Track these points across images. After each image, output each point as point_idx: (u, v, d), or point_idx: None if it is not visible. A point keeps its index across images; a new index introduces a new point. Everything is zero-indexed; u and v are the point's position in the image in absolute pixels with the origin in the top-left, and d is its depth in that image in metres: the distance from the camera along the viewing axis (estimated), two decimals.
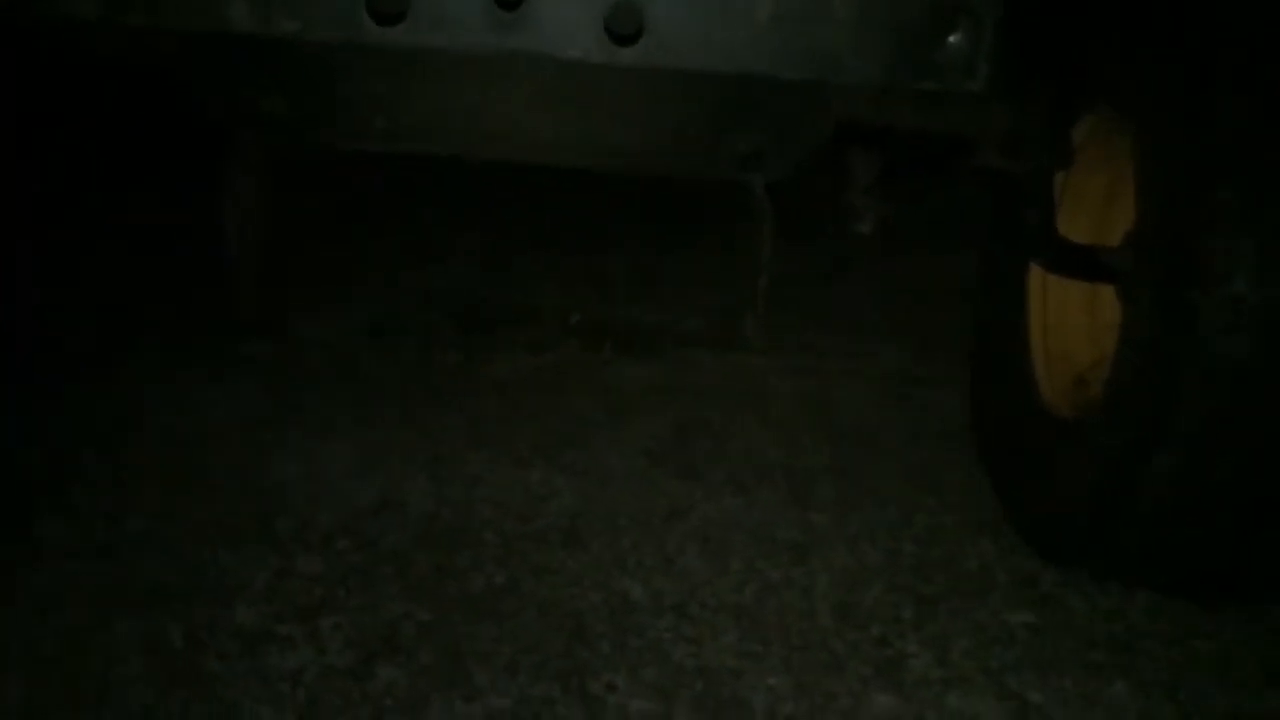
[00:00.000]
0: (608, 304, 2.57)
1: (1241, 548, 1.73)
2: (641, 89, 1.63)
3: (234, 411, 2.13)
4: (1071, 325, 2.03)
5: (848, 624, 1.75)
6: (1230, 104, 1.57)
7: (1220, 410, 1.61)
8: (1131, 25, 1.75)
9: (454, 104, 1.66)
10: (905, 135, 1.80)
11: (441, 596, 1.73)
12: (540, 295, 2.58)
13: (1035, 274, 2.05)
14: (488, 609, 1.71)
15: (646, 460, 2.11)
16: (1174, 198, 1.68)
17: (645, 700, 1.57)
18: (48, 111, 1.96)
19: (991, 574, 1.89)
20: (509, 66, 1.52)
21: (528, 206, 2.97)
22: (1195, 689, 1.65)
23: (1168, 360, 1.66)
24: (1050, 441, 1.94)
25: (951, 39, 1.44)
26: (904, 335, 2.58)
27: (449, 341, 2.39)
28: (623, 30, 1.43)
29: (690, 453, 2.14)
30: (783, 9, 1.43)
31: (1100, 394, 1.88)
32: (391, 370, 2.30)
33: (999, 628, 1.77)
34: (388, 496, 1.94)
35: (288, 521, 1.86)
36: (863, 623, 1.76)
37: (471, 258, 2.70)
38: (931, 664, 1.69)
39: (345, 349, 2.34)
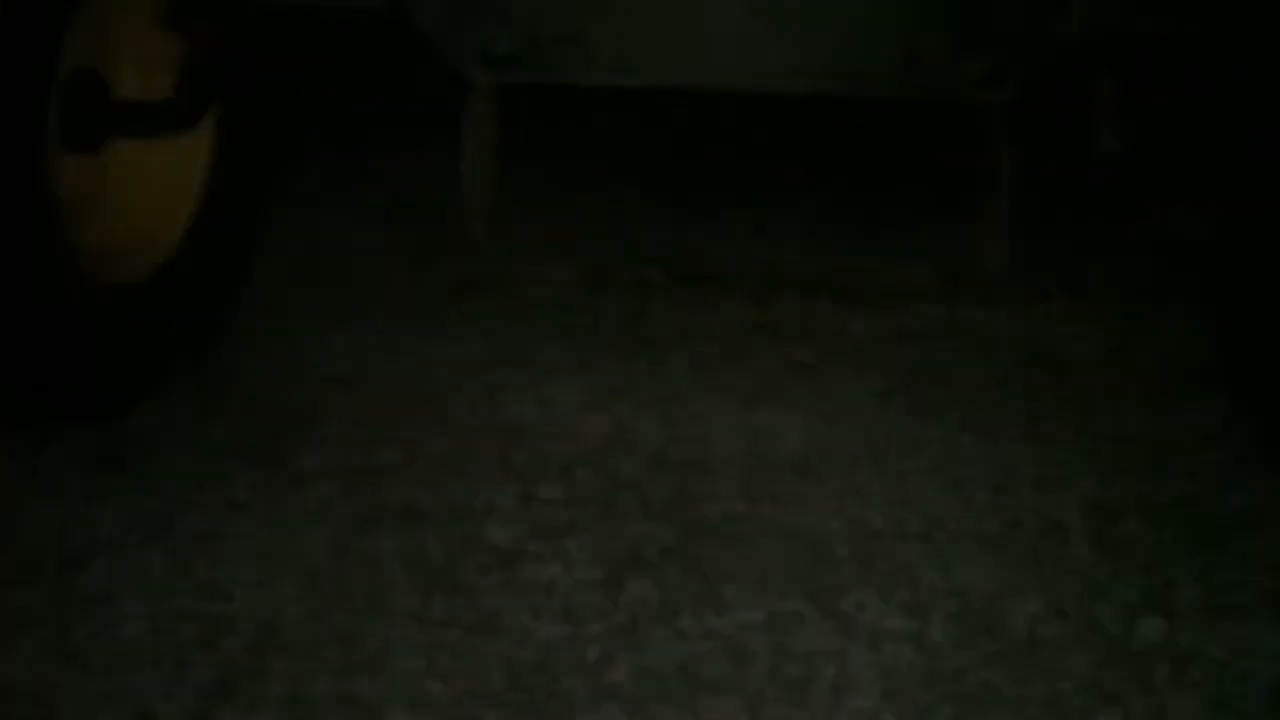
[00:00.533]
0: (824, 254, 2.54)
1: None
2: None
3: (463, 359, 2.19)
4: None
5: (1106, 554, 1.67)
6: None
7: None
8: None
9: (684, 22, 1.67)
10: (1154, 45, 1.72)
11: (682, 521, 1.73)
12: (753, 248, 2.56)
13: None
14: (728, 533, 1.71)
15: (875, 401, 2.07)
16: None
17: (898, 618, 1.53)
18: (277, 62, 2.05)
19: (1260, 509, 1.77)
20: None
21: (730, 158, 2.95)
22: None
23: None
24: None
25: None
26: (1130, 280, 2.46)
27: (665, 293, 2.41)
28: None
29: (919, 395, 2.08)
30: None
31: None
32: (611, 320, 2.32)
33: None
34: (620, 432, 1.96)
35: (526, 453, 1.90)
36: (1124, 552, 1.68)
37: (677, 212, 2.69)
38: (1204, 593, 1.59)
39: (566, 302, 2.39)
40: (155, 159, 2.00)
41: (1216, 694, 1.40)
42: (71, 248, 1.84)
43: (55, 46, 1.71)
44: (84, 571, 1.58)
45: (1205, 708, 1.39)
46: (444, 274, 2.41)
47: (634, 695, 1.39)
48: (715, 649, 1.48)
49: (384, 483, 1.81)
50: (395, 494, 1.78)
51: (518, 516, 1.73)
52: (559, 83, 1.76)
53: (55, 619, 1.49)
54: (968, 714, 1.38)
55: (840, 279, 2.43)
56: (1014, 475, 1.85)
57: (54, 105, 1.76)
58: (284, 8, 1.78)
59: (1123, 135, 1.83)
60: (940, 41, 1.66)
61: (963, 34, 1.66)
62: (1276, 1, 1.59)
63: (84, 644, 1.45)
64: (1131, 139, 1.82)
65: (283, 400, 2.05)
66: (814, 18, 1.66)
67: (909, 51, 1.67)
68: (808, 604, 1.56)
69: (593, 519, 1.73)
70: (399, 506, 1.74)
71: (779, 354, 2.22)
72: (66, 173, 1.88)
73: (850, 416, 2.02)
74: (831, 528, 1.72)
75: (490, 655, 1.45)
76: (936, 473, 1.86)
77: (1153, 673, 1.44)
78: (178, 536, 1.66)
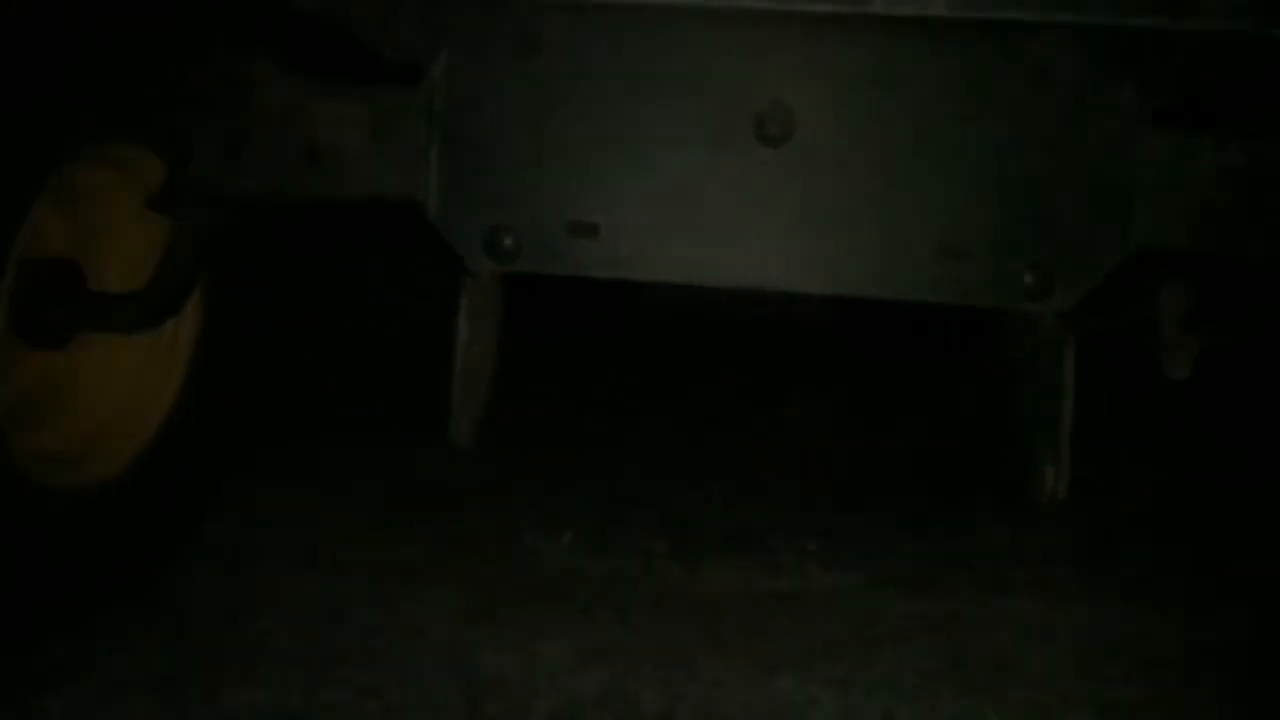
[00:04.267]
0: (842, 528, 2.27)
1: None
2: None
3: (441, 611, 1.88)
4: None
5: None
6: None
7: None
8: None
9: (706, 215, 1.53)
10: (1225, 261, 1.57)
11: None
12: (757, 517, 2.30)
13: None
14: None
15: (918, 678, 1.73)
16: None
17: None
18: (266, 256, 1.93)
19: None
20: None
21: (742, 388, 2.72)
22: None
23: None
24: None
25: None
26: (1208, 562, 2.16)
27: (670, 557, 2.12)
28: None
29: (974, 676, 1.75)
30: None
31: None
32: (610, 581, 2.03)
33: None
34: (613, 691, 1.63)
35: (499, 706, 1.56)
36: None
37: (672, 469, 2.45)
38: None
39: (563, 559, 2.11)
40: (126, 356, 1.83)
41: None
42: (22, 452, 1.62)
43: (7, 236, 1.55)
44: None
45: None
46: (430, 527, 2.16)
47: None
48: None
49: None
50: None
51: None
52: (567, 274, 1.60)
53: None
54: None
55: (872, 557, 2.16)
56: None
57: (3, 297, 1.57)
58: (277, 198, 1.67)
59: (1188, 359, 1.63)
60: (983, 241, 1.51)
61: (1009, 235, 1.51)
62: None
63: None
64: (1196, 363, 1.62)
65: (229, 629, 1.75)
66: (846, 212, 1.53)
67: (947, 250, 1.51)
68: None
69: None
70: None
71: (805, 631, 1.90)
72: (20, 370, 1.70)
73: (889, 691, 1.68)
74: None
75: None
76: None
77: None
78: None
